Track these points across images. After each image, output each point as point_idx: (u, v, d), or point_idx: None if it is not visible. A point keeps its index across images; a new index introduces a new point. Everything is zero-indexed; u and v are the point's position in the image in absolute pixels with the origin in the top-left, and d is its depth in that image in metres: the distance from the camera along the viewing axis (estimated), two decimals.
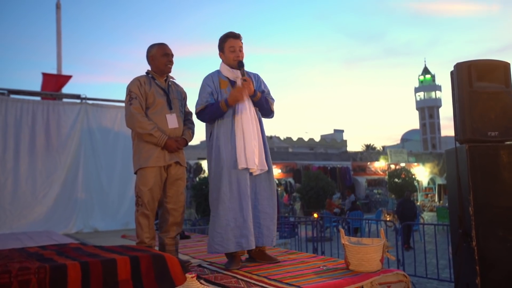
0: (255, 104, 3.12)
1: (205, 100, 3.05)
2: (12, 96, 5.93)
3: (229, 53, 3.09)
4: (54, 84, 6.78)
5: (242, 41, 3.14)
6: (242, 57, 3.11)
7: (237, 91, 2.98)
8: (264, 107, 3.16)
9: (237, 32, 3.15)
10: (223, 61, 3.17)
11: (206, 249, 3.87)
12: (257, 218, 3.03)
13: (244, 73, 3.05)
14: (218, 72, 3.18)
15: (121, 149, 6.32)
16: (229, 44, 3.09)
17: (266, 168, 3.07)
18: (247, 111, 3.03)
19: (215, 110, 3.02)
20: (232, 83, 3.12)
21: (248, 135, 2.99)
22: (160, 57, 3.20)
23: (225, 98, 3.00)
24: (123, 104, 6.42)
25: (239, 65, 3.07)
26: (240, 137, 2.98)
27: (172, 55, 3.25)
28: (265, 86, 3.24)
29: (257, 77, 3.22)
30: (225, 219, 2.92)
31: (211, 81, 3.11)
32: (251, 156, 2.96)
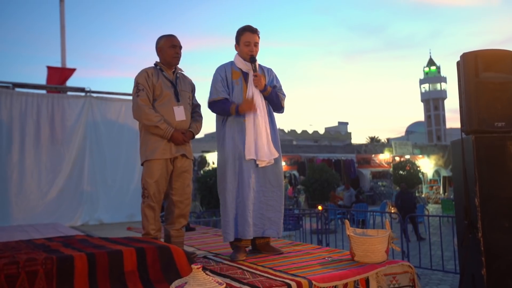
0: (267, 98, 3.17)
1: (220, 91, 3.09)
2: (17, 89, 5.93)
3: (244, 46, 3.12)
4: (58, 77, 6.78)
5: (259, 36, 3.17)
6: (256, 52, 3.14)
7: (248, 105, 3.01)
8: (274, 102, 3.19)
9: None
10: (238, 53, 3.20)
11: (211, 241, 3.92)
12: (260, 210, 3.06)
13: (255, 69, 3.09)
14: (231, 63, 3.21)
15: (125, 142, 6.33)
16: (245, 38, 3.12)
17: (273, 161, 3.10)
18: (258, 103, 3.07)
19: (225, 110, 3.08)
20: (245, 74, 3.16)
21: (259, 127, 3.03)
22: (167, 48, 3.18)
23: (237, 104, 3.04)
24: (127, 97, 6.47)
25: (251, 60, 3.10)
26: (250, 129, 3.02)
27: (180, 47, 3.23)
28: (278, 81, 3.27)
29: (270, 72, 3.26)
30: (231, 207, 2.99)
31: (224, 72, 3.15)
32: (261, 148, 3.01)
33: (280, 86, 3.26)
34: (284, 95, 3.25)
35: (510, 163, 3.14)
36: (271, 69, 3.28)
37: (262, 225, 3.06)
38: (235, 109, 3.04)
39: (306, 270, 2.56)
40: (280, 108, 3.25)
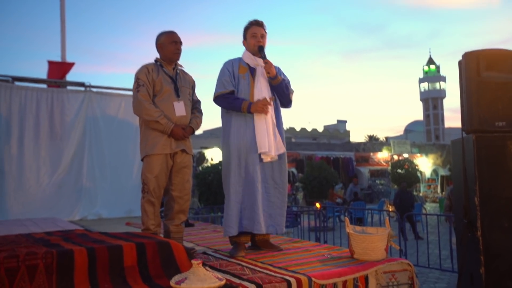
0: (276, 89, 3.16)
1: (226, 85, 3.09)
2: (17, 83, 5.91)
3: (251, 38, 3.14)
4: (59, 71, 6.75)
5: (265, 30, 3.19)
6: (264, 44, 3.15)
7: (262, 106, 3.00)
8: (285, 93, 3.19)
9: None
10: (246, 48, 3.21)
11: (210, 237, 3.92)
12: (263, 206, 3.04)
13: (265, 56, 3.10)
14: (240, 58, 3.23)
15: (125, 137, 6.31)
16: (252, 31, 3.15)
17: (277, 157, 3.09)
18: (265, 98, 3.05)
19: (234, 106, 3.06)
20: (252, 70, 3.16)
21: (266, 121, 3.03)
22: (168, 44, 3.18)
23: (249, 103, 3.03)
24: (127, 93, 6.45)
25: (259, 50, 3.12)
26: (257, 122, 3.02)
27: (180, 43, 3.23)
28: (285, 76, 3.27)
29: (277, 69, 3.23)
30: (235, 202, 2.99)
31: (231, 66, 3.16)
32: (266, 142, 3.00)
33: (289, 81, 3.26)
34: (292, 90, 3.26)
35: (510, 162, 3.14)
36: (278, 67, 3.26)
37: (265, 221, 3.05)
38: (247, 108, 3.01)
39: (305, 267, 2.57)
40: (288, 101, 3.25)
